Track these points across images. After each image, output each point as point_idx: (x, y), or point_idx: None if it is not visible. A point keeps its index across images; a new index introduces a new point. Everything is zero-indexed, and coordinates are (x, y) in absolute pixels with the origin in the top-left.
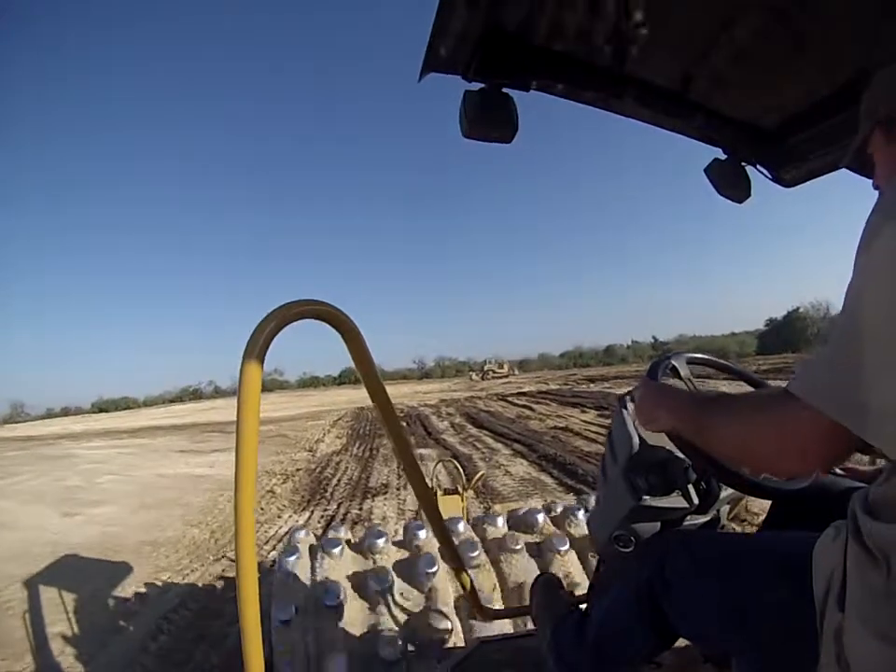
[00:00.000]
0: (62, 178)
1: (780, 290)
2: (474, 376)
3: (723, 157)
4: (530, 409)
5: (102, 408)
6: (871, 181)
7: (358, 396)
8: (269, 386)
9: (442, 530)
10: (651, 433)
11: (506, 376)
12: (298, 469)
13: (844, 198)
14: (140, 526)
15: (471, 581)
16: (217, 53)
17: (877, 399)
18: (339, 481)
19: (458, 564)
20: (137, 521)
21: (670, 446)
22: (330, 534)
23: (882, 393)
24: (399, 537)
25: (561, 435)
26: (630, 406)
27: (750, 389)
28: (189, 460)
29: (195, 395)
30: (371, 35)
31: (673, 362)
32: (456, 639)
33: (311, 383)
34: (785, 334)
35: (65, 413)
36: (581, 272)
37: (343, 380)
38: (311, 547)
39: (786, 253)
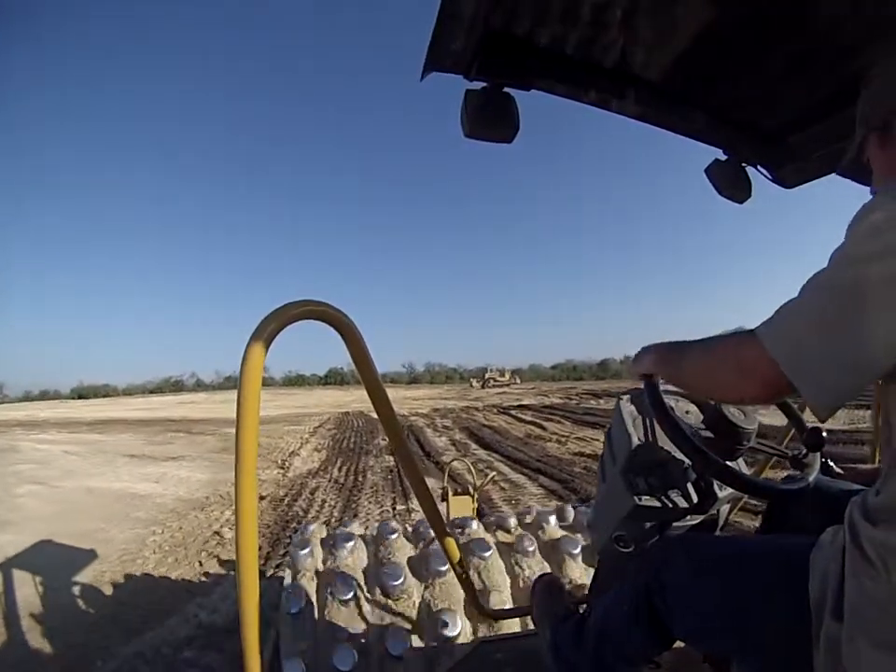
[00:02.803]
0: (53, 168)
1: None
2: (475, 383)
3: (724, 157)
4: (540, 427)
5: (81, 394)
6: (868, 188)
7: (344, 399)
8: None
9: (444, 532)
10: (650, 434)
11: (507, 385)
12: (262, 497)
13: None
14: (34, 576)
15: (472, 582)
16: (220, 50)
17: (820, 360)
18: (308, 520)
19: (460, 564)
20: (36, 563)
21: (669, 446)
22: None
23: (825, 355)
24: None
25: (593, 465)
26: (628, 406)
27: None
28: (136, 470)
29: (176, 386)
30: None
31: None
32: (458, 638)
33: (296, 381)
34: None
35: (43, 396)
36: (577, 287)
37: (328, 380)
38: (317, 573)
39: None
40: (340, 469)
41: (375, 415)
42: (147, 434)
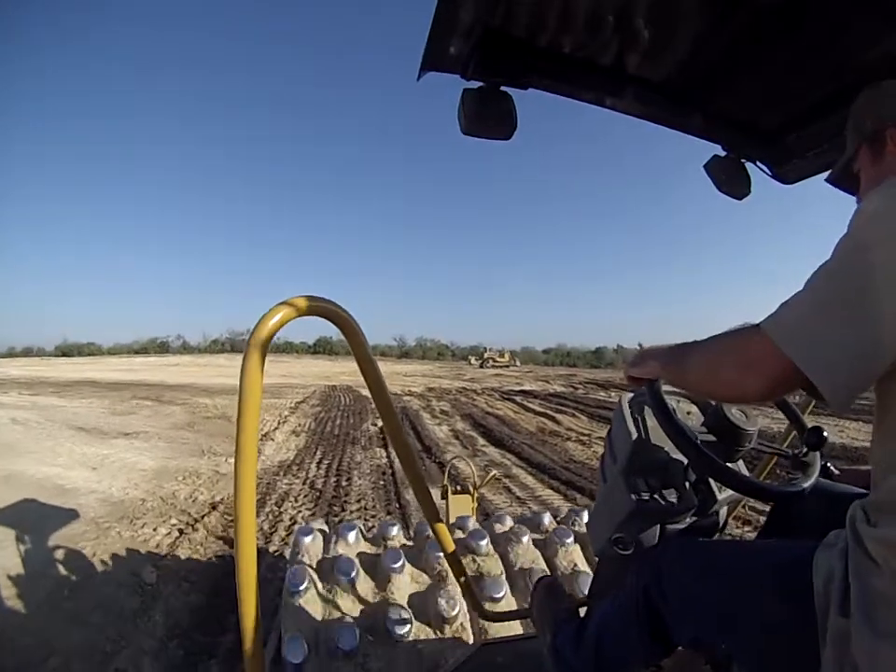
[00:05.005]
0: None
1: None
2: (473, 361)
3: (723, 153)
4: (552, 419)
5: (65, 352)
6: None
7: (332, 370)
8: (240, 348)
9: (444, 533)
10: (650, 434)
11: (506, 366)
12: (213, 505)
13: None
14: None
15: (472, 585)
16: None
17: (830, 348)
18: (275, 559)
19: (460, 567)
20: None
21: (670, 447)
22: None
23: (836, 343)
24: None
25: None
26: (629, 406)
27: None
28: (78, 448)
29: (162, 348)
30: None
31: None
32: (459, 642)
33: (284, 348)
34: None
35: (27, 353)
36: (572, 272)
37: (317, 349)
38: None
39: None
40: (319, 465)
41: (364, 392)
42: (112, 400)
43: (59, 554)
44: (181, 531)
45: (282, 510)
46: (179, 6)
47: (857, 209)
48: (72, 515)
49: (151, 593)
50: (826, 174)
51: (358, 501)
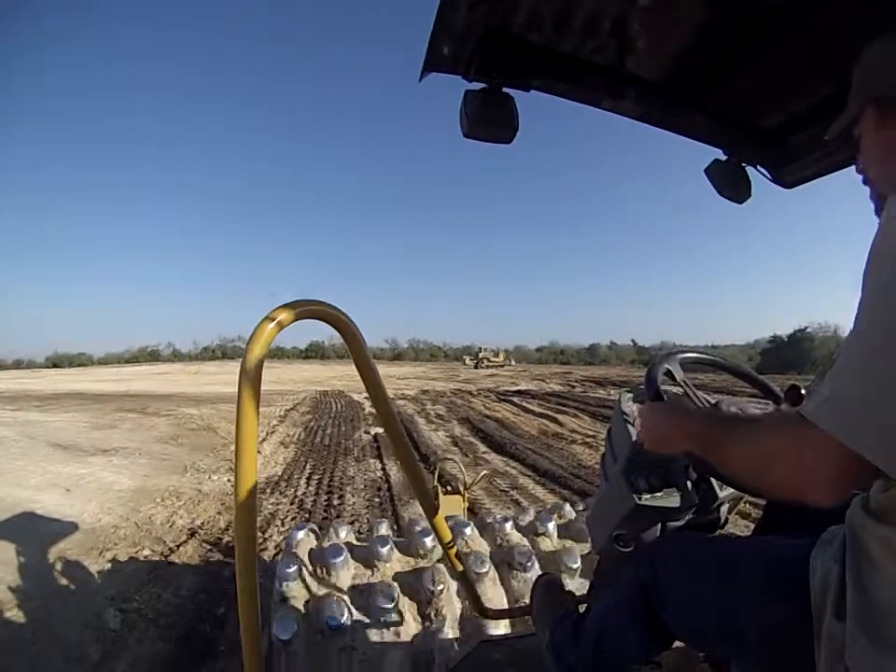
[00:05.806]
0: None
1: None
2: (468, 360)
3: (723, 157)
4: (554, 420)
5: (56, 363)
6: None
7: (324, 374)
8: (231, 354)
9: (443, 531)
10: None
11: (501, 365)
12: (192, 531)
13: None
14: None
15: (472, 582)
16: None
17: (884, 406)
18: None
19: (459, 564)
20: None
21: None
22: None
23: (888, 395)
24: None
25: None
26: (629, 406)
27: (751, 390)
28: (53, 468)
29: (153, 356)
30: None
31: (666, 366)
32: (458, 639)
33: (275, 353)
34: (787, 354)
35: (18, 365)
36: (563, 270)
37: (309, 354)
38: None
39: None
40: (309, 481)
41: (356, 396)
42: (95, 413)
43: (14, 594)
44: (153, 563)
45: (266, 535)
46: (179, 5)
47: (884, 215)
48: (36, 545)
49: (114, 640)
50: (825, 176)
51: (351, 524)
